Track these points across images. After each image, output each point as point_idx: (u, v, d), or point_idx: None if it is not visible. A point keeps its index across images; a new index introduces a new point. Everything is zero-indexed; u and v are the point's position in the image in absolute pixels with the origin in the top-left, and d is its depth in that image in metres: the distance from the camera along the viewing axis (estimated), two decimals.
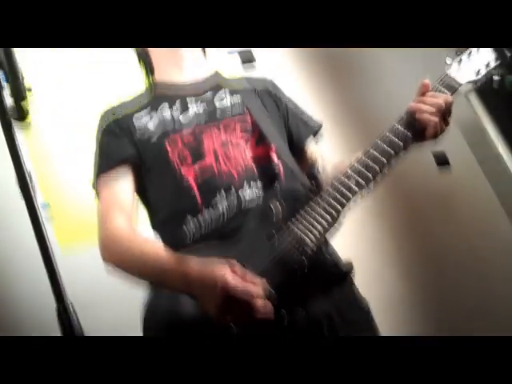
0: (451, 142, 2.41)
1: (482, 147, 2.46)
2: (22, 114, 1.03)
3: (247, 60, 2.41)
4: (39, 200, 0.98)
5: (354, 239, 2.17)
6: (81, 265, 1.77)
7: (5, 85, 0.99)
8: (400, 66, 2.62)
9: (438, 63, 1.40)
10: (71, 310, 0.92)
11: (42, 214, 0.96)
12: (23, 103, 1.02)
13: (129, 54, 1.58)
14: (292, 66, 2.56)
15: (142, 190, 1.42)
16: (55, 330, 0.91)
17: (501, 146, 2.36)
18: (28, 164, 0.97)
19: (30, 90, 1.03)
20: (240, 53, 2.42)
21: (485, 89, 1.40)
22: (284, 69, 2.48)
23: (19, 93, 1.01)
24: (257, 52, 2.47)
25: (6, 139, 0.97)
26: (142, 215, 1.43)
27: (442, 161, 2.43)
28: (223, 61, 2.23)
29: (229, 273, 1.08)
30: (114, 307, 1.85)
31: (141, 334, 1.28)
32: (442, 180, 2.49)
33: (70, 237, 1.83)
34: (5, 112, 0.99)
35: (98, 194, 1.41)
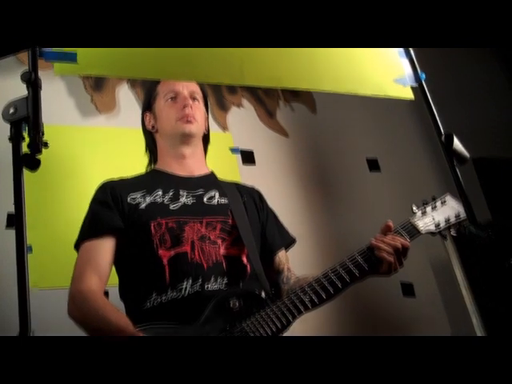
0: (421, 276, 2.56)
1: (449, 287, 2.63)
2: (34, 165, 1.13)
3: (248, 161, 2.57)
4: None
5: None
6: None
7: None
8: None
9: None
10: None
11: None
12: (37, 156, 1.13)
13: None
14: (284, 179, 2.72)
15: (119, 261, 1.51)
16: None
17: (464, 290, 2.51)
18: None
19: (46, 145, 1.13)
20: (242, 152, 2.58)
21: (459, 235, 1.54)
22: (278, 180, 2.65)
23: (36, 146, 1.10)
24: (257, 155, 2.64)
25: (14, 182, 1.06)
26: None
27: (408, 291, 2.59)
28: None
29: None
30: None
31: None
32: (405, 308, 2.62)
33: (42, 282, 1.86)
34: (19, 160, 1.10)
35: (78, 254, 1.49)
